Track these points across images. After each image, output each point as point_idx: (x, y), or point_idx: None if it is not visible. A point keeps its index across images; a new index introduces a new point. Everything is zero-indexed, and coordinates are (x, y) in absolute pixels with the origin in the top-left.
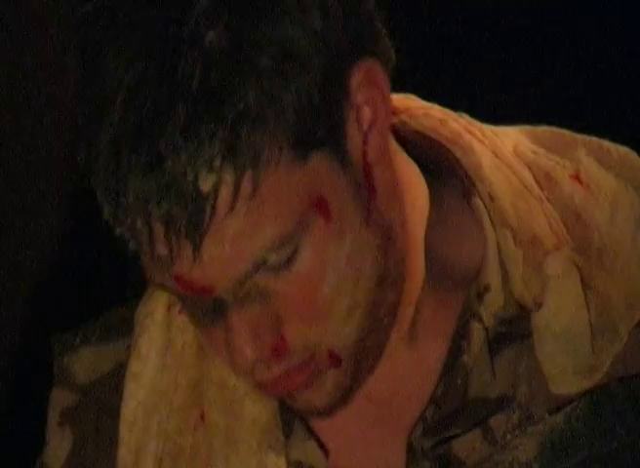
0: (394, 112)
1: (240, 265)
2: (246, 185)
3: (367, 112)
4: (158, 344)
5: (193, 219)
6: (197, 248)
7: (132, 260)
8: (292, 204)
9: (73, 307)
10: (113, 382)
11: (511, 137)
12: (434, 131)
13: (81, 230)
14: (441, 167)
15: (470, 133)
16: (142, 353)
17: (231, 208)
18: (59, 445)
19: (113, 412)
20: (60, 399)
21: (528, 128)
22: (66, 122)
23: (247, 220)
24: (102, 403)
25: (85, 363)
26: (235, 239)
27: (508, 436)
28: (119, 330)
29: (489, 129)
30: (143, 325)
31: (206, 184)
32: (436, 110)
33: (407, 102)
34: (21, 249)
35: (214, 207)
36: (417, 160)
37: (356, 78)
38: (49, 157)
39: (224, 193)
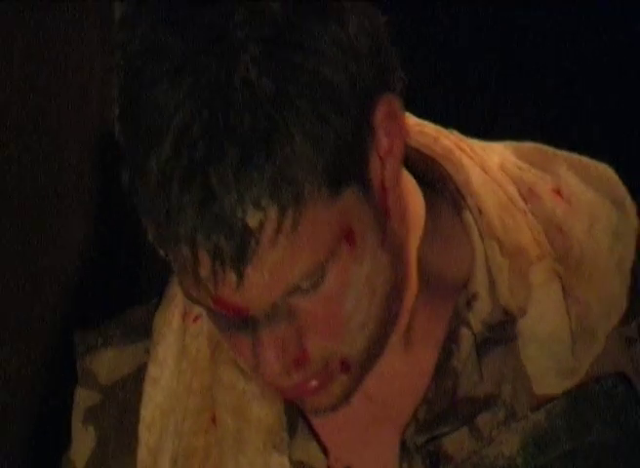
0: None
1: (276, 291)
2: (287, 221)
3: (385, 142)
4: (174, 350)
5: (239, 252)
6: (241, 276)
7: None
8: (326, 237)
9: (97, 304)
10: (134, 384)
11: (497, 153)
12: (428, 147)
13: (103, 238)
14: (434, 181)
15: (460, 149)
16: (160, 358)
17: (274, 241)
18: (83, 442)
19: (134, 412)
20: (83, 398)
21: (513, 144)
22: (93, 128)
23: (286, 252)
24: (124, 403)
25: (107, 364)
26: (274, 268)
27: (494, 432)
28: (138, 332)
29: (477, 144)
30: (161, 332)
31: (253, 221)
32: (429, 128)
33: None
34: (51, 253)
35: (258, 241)
36: (413, 174)
37: (380, 113)
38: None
39: (268, 228)
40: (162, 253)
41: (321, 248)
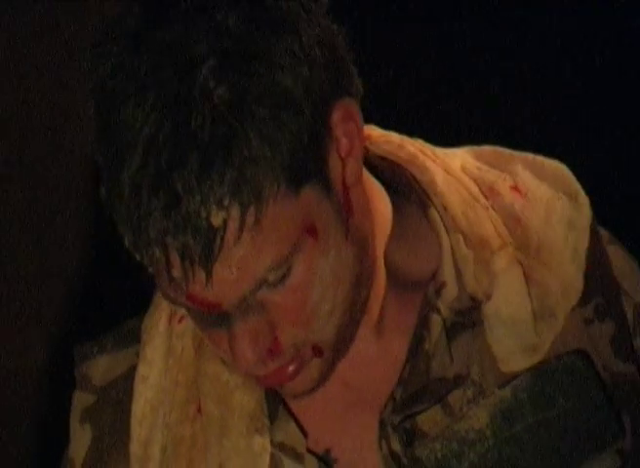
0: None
1: (245, 285)
2: (250, 218)
3: (345, 143)
4: (161, 350)
5: (206, 250)
6: (209, 273)
7: (140, 278)
8: (288, 231)
9: (95, 320)
10: (125, 383)
11: (458, 157)
12: (393, 154)
13: (100, 265)
14: (400, 184)
15: (424, 154)
16: (149, 358)
17: (238, 238)
18: (80, 440)
19: (126, 409)
20: (80, 400)
21: (473, 148)
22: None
23: (251, 247)
24: (117, 401)
25: (101, 368)
26: (241, 263)
27: (464, 408)
28: (130, 339)
29: (439, 150)
30: (150, 334)
31: (216, 220)
32: (394, 137)
33: (368, 132)
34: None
35: (223, 238)
36: (380, 179)
37: (336, 115)
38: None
39: (232, 226)
40: (138, 257)
41: (285, 242)
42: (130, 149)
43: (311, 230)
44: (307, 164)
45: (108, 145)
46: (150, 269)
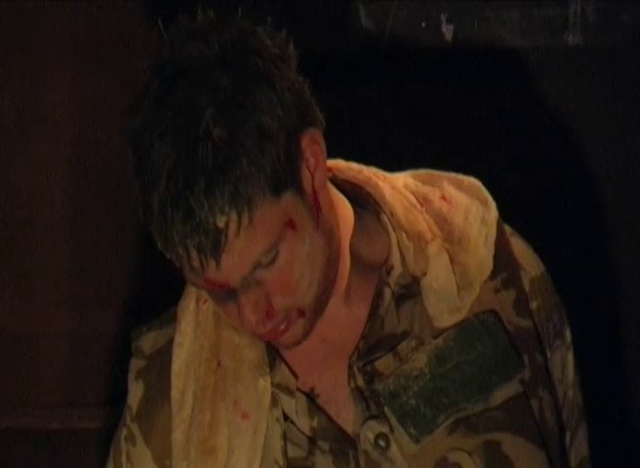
0: (329, 169)
1: (244, 268)
2: (244, 220)
3: (312, 161)
4: (192, 324)
5: (214, 245)
6: (218, 262)
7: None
8: (273, 226)
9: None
10: (167, 351)
11: (401, 178)
12: (354, 177)
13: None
14: (360, 198)
15: (376, 176)
16: (183, 330)
17: (237, 235)
18: (135, 392)
19: (167, 369)
20: (135, 364)
21: (412, 171)
22: None
23: (247, 240)
24: (160, 363)
25: (149, 341)
26: (240, 252)
27: (409, 355)
28: (169, 321)
29: (387, 174)
30: (183, 313)
31: (220, 223)
32: (354, 165)
33: (335, 163)
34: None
35: (226, 236)
36: (345, 195)
37: (304, 141)
38: None
39: (232, 227)
40: (167, 256)
41: (271, 234)
42: (156, 179)
43: (291, 224)
44: (285, 177)
45: (142, 177)
46: (177, 263)
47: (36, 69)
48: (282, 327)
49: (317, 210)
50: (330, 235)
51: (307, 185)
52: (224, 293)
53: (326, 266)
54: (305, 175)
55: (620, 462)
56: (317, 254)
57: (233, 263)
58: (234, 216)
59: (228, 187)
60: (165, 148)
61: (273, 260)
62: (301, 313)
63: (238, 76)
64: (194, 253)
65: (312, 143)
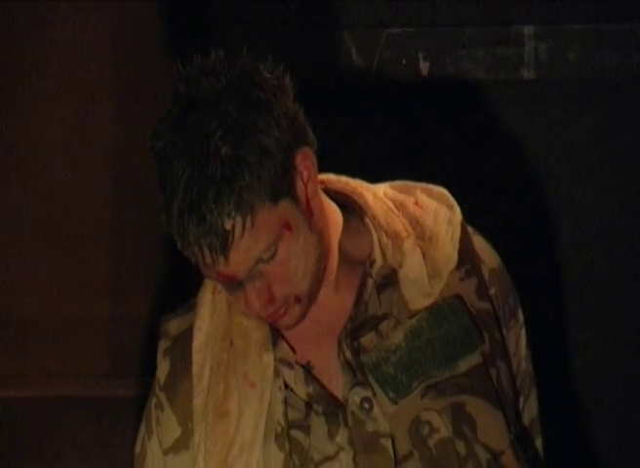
0: (322, 181)
1: (248, 263)
2: (247, 223)
3: (305, 174)
4: (209, 310)
5: (223, 244)
6: (227, 258)
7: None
8: (272, 228)
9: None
10: (189, 333)
11: (382, 188)
12: (343, 188)
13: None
14: (348, 205)
15: (361, 187)
16: (202, 315)
17: (241, 235)
18: (162, 368)
19: (189, 348)
20: (162, 344)
21: (390, 182)
22: None
23: (250, 240)
24: (183, 344)
25: (175, 325)
26: (245, 250)
27: (389, 332)
28: (190, 309)
29: (370, 185)
30: (202, 302)
31: (228, 226)
32: (343, 178)
33: (327, 176)
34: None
35: (233, 236)
36: (336, 202)
37: (298, 158)
38: None
39: (237, 229)
40: (185, 254)
41: (270, 234)
42: (175, 190)
43: (287, 226)
44: (281, 187)
45: (163, 189)
46: (193, 260)
47: (84, 98)
48: (281, 311)
49: (310, 214)
50: (321, 235)
51: (301, 194)
52: (234, 284)
53: (318, 260)
54: (299, 185)
55: (565, 421)
56: (310, 251)
57: (239, 259)
58: (239, 220)
59: (234, 196)
60: (181, 165)
61: (273, 256)
62: (298, 299)
63: (242, 105)
64: (207, 251)
65: (305, 159)
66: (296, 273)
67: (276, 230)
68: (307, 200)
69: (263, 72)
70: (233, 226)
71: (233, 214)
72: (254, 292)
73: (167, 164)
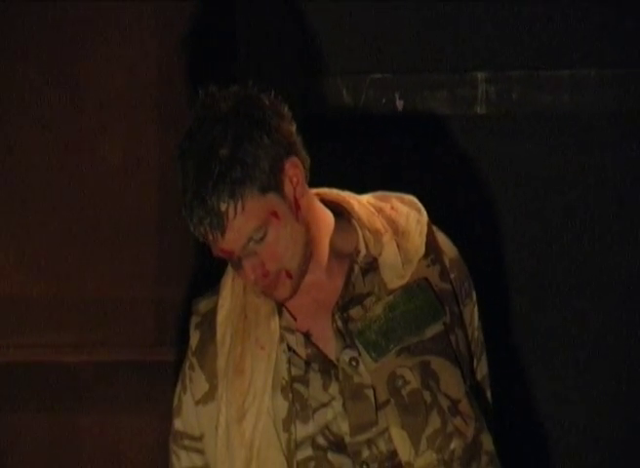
0: (318, 193)
1: (241, 240)
2: (239, 208)
3: (294, 179)
4: (229, 292)
5: (220, 224)
6: (223, 235)
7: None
8: (260, 213)
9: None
10: (214, 311)
11: (365, 197)
12: (335, 198)
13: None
14: (338, 210)
15: (349, 197)
16: (224, 296)
17: (234, 217)
18: (194, 337)
19: (214, 322)
20: (194, 320)
21: (372, 193)
22: None
23: (241, 221)
24: (209, 319)
25: (203, 305)
26: (238, 229)
27: (372, 306)
28: (216, 291)
29: (357, 195)
30: (224, 285)
31: (223, 208)
32: (335, 190)
33: (323, 190)
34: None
35: (227, 217)
36: (329, 208)
37: (287, 164)
38: None
39: (231, 212)
40: (196, 235)
41: (258, 218)
42: (187, 185)
43: (274, 214)
44: (269, 184)
45: (181, 185)
46: (201, 239)
47: (135, 122)
48: (274, 284)
49: (297, 209)
50: (307, 227)
51: (289, 193)
52: (236, 261)
53: (305, 246)
54: (288, 186)
55: (509, 378)
56: (297, 237)
57: (233, 237)
58: (232, 204)
59: (228, 186)
60: (191, 166)
61: (263, 238)
62: (289, 275)
63: (243, 121)
64: (208, 229)
65: (293, 167)
66: (284, 254)
67: (263, 216)
68: (296, 198)
69: (264, 100)
70: (227, 209)
71: (227, 199)
72: (250, 267)
73: (182, 166)
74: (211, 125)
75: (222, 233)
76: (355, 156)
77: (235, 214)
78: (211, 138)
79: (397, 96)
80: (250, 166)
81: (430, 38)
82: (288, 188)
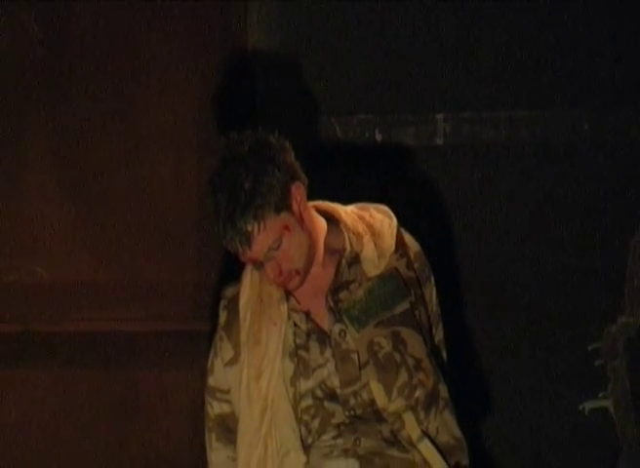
0: (314, 205)
1: (263, 250)
2: (261, 227)
3: (298, 199)
4: (249, 282)
5: (247, 240)
6: (250, 248)
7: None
8: (277, 229)
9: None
10: (237, 296)
11: (350, 207)
12: (327, 208)
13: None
14: (330, 217)
15: (338, 207)
16: (244, 285)
17: (258, 234)
18: (222, 315)
19: (237, 304)
20: (222, 302)
21: (355, 204)
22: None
23: (263, 237)
24: (234, 302)
25: (230, 291)
26: (261, 243)
27: (356, 291)
28: (238, 281)
29: (343, 206)
30: (245, 276)
31: (249, 228)
32: (327, 202)
33: (317, 202)
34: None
35: (252, 235)
36: (323, 216)
37: (293, 188)
38: None
39: (255, 231)
40: (228, 248)
41: (276, 233)
42: (220, 212)
43: (287, 228)
44: (281, 205)
45: (214, 212)
46: (232, 251)
47: (181, 149)
48: (287, 279)
49: (301, 221)
50: (309, 233)
51: (296, 209)
52: (259, 264)
53: (308, 249)
54: (294, 204)
55: (459, 341)
56: (303, 243)
57: (257, 249)
58: (256, 225)
59: (252, 212)
60: (223, 197)
61: (279, 246)
62: (297, 272)
63: (258, 159)
64: (238, 245)
65: (297, 189)
66: (294, 256)
67: (279, 231)
68: (300, 213)
69: (272, 140)
70: (252, 229)
71: (252, 221)
72: (269, 268)
73: (214, 197)
74: (234, 165)
75: (249, 247)
76: (345, 178)
77: (259, 231)
78: (236, 175)
79: (377, 131)
80: (267, 194)
81: (402, 87)
82: (294, 206)
